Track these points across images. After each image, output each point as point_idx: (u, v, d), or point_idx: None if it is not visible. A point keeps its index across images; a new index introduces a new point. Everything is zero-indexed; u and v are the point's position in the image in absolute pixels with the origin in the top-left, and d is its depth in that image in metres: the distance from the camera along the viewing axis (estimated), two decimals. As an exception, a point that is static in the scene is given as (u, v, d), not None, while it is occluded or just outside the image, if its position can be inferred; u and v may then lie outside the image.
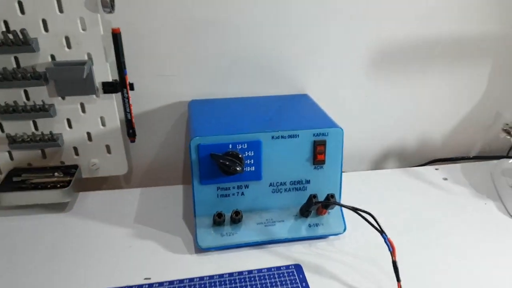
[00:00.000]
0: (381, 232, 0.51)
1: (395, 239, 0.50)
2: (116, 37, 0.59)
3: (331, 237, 0.60)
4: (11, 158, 0.66)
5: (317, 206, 0.58)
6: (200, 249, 0.57)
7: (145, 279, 0.53)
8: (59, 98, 0.63)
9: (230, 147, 0.55)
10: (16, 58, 0.60)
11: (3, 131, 0.64)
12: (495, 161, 0.77)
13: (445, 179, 0.75)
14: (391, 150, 0.84)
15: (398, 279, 0.50)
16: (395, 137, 0.83)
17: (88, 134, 0.66)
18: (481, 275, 0.54)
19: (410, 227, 0.63)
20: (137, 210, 0.65)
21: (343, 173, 0.60)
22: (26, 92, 0.62)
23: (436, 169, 0.78)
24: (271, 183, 0.59)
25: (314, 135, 0.57)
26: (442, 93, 0.80)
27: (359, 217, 0.52)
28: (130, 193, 0.70)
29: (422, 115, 0.81)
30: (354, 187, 0.70)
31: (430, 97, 0.80)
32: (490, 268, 0.55)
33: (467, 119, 0.83)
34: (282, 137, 0.56)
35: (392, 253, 0.50)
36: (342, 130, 0.57)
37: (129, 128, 0.66)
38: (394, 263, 0.50)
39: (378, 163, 0.85)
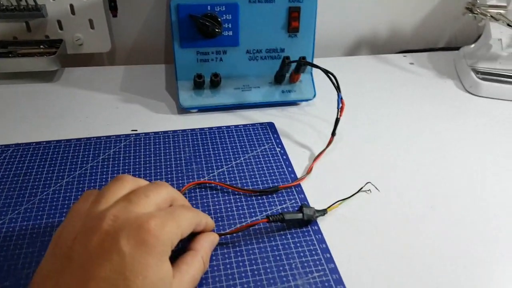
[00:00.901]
0: (338, 90, 0.55)
1: (355, 107, 0.55)
2: None
3: (302, 103, 0.66)
4: (-4, 30, 0.68)
5: (290, 70, 0.62)
6: (182, 109, 0.62)
7: (132, 130, 0.58)
8: (42, -34, 0.64)
9: (209, 8, 0.58)
10: None
11: (-14, 0, 0.65)
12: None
13: (411, 63, 0.80)
14: (364, 39, 0.88)
15: (333, 134, 0.55)
16: (367, 27, 0.86)
17: (71, 6, 0.68)
18: (437, 139, 0.60)
19: (373, 101, 0.68)
20: (121, 82, 0.69)
21: (315, 58, 0.64)
22: (8, -42, 0.63)
23: (404, 56, 0.83)
24: (248, 50, 0.62)
25: (289, 1, 0.60)
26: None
27: (329, 87, 0.56)
28: (115, 69, 0.73)
29: (391, 5, 0.84)
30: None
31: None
32: (442, 130, 0.61)
33: (436, 10, 0.87)
34: (259, 1, 0.59)
35: (340, 111, 0.54)
36: (315, -3, 0.61)
37: (111, 1, 0.68)
38: (337, 120, 0.55)
39: (352, 52, 0.89)
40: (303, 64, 0.60)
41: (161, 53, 0.80)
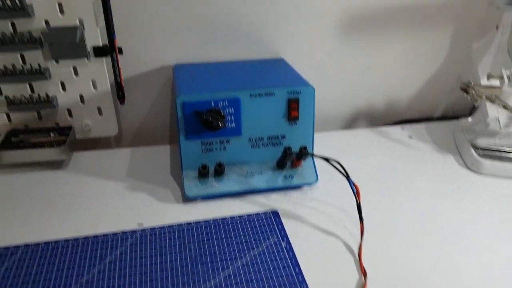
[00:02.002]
0: (347, 177, 0.57)
1: (361, 188, 0.57)
2: (106, 2, 0.63)
3: (305, 187, 0.67)
4: (9, 120, 0.71)
5: (292, 158, 0.64)
6: (187, 198, 0.63)
7: (138, 224, 0.59)
8: (54, 61, 0.67)
9: (213, 104, 0.60)
10: (12, 24, 0.64)
11: (1, 93, 0.68)
12: (456, 121, 0.84)
13: (410, 137, 0.82)
14: (361, 112, 0.90)
15: (361, 219, 0.56)
16: (364, 99, 0.89)
17: (81, 96, 0.71)
18: (438, 216, 0.61)
19: (375, 179, 0.69)
20: (128, 167, 0.71)
21: (315, 133, 0.67)
22: (22, 56, 0.66)
23: (402, 128, 0.85)
24: (250, 138, 0.65)
25: (288, 93, 0.62)
26: (407, 57, 0.85)
27: (330, 170, 0.58)
28: (122, 152, 0.75)
29: (389, 79, 0.87)
30: (326, 146, 0.75)
31: (397, 61, 0.85)
32: (445, 210, 0.62)
33: (431, 82, 0.90)
34: (259, 95, 0.62)
35: (357, 195, 0.57)
36: (313, 88, 0.63)
37: (119, 91, 0.71)
38: (358, 205, 0.56)
39: (349, 124, 0.91)
40: (305, 154, 0.62)
41: (166, 133, 0.83)
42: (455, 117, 0.84)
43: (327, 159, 0.59)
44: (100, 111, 0.73)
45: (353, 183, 0.57)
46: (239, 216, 0.61)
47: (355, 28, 0.80)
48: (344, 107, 0.89)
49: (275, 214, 0.61)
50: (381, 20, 0.80)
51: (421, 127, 0.85)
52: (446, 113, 0.93)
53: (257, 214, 0.61)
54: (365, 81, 0.86)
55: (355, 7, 0.78)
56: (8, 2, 0.60)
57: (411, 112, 0.92)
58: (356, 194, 0.57)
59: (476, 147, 0.73)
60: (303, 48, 0.80)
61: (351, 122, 0.91)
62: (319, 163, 0.65)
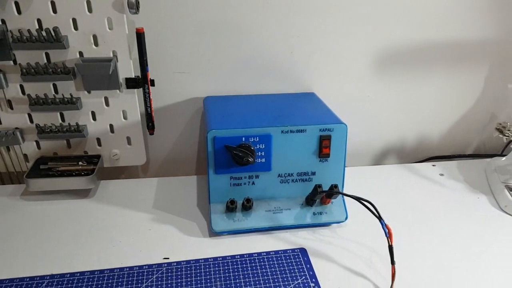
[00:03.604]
0: (380, 218, 0.56)
1: (392, 228, 0.55)
2: (140, 36, 0.64)
3: (333, 224, 0.65)
4: (39, 147, 0.72)
5: (322, 196, 0.63)
6: (213, 233, 0.62)
7: (164, 258, 0.58)
8: (85, 92, 0.68)
9: (243, 139, 0.60)
10: (47, 54, 0.65)
11: (32, 121, 0.69)
12: (489, 159, 0.82)
13: (442, 174, 0.80)
14: (391, 147, 0.89)
15: (393, 262, 0.54)
16: (396, 135, 0.88)
17: (111, 126, 0.72)
18: (471, 263, 0.58)
19: (407, 218, 0.67)
20: (154, 197, 0.70)
21: (345, 168, 0.65)
22: (55, 85, 0.67)
23: (433, 165, 0.83)
24: (279, 174, 0.64)
25: (320, 130, 0.62)
26: (441, 94, 0.84)
27: (360, 207, 0.57)
28: (148, 182, 0.75)
29: (421, 115, 0.86)
30: (356, 181, 0.75)
31: (430, 98, 0.84)
32: (478, 254, 0.60)
33: (464, 119, 0.88)
34: (291, 131, 0.61)
35: (389, 237, 0.55)
36: (346, 126, 0.62)
37: (149, 122, 0.71)
38: (390, 247, 0.54)
39: (379, 159, 0.90)
40: (335, 193, 0.60)
41: (193, 163, 0.82)
42: (487, 155, 0.82)
43: (359, 199, 0.57)
44: (129, 140, 0.73)
45: (386, 225, 0.55)
46: (266, 253, 0.59)
47: (388, 64, 0.80)
48: (374, 142, 0.88)
49: (303, 251, 0.60)
50: (415, 57, 0.79)
51: (452, 164, 0.83)
52: (478, 150, 0.91)
53: (285, 251, 0.60)
54: (397, 116, 0.85)
55: (388, 44, 0.77)
56: (44, 33, 0.61)
57: (442, 149, 0.90)
58: (389, 236, 0.55)
59: (510, 189, 0.71)
60: (335, 82, 0.80)
61: (381, 158, 0.89)
62: (348, 199, 0.64)
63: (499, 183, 0.73)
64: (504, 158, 0.77)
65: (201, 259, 0.58)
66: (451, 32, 0.78)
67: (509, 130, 0.67)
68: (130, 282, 0.53)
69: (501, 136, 0.68)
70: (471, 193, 0.74)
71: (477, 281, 0.55)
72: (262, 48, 0.74)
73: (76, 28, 0.64)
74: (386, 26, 0.76)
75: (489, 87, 0.85)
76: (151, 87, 0.68)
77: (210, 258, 0.58)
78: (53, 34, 0.62)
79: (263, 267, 0.57)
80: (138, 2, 0.63)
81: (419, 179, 0.78)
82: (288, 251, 0.60)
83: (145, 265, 0.56)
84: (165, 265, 0.56)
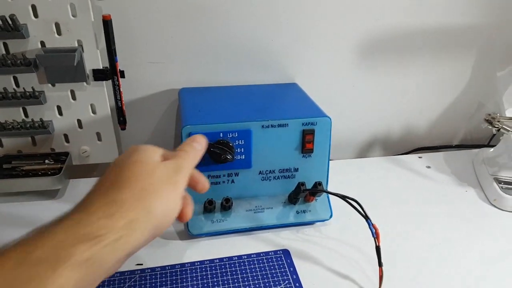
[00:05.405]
0: (366, 217, 0.53)
1: (378, 225, 0.52)
2: (107, 23, 0.59)
3: (318, 223, 0.62)
4: (1, 145, 0.66)
5: (305, 194, 0.59)
6: (191, 236, 0.58)
7: (137, 265, 0.54)
8: (49, 85, 0.63)
9: (221, 135, 0.56)
10: (5, 45, 0.59)
11: (-8, 117, 0.64)
12: (476, 150, 0.79)
13: (428, 167, 0.77)
14: (377, 139, 0.86)
15: (380, 264, 0.52)
16: (381, 126, 0.85)
17: (79, 121, 0.67)
18: (461, 258, 0.57)
19: (393, 213, 0.65)
20: (127, 197, 0.66)
21: (330, 161, 0.62)
22: (15, 78, 0.62)
23: (419, 157, 0.80)
24: (260, 171, 0.60)
25: (303, 124, 0.58)
26: (426, 83, 0.82)
27: (345, 204, 0.54)
28: (121, 179, 0.70)
29: (406, 105, 0.83)
30: (340, 175, 0.72)
31: (415, 87, 0.82)
32: (469, 251, 0.58)
33: (450, 109, 0.86)
34: (272, 126, 0.57)
35: (376, 238, 0.52)
36: (330, 119, 0.59)
37: (120, 116, 0.66)
38: (378, 248, 0.52)
39: (364, 151, 0.87)
40: (320, 191, 0.57)
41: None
42: (474, 145, 0.80)
43: (344, 197, 0.54)
44: (99, 136, 0.68)
45: (373, 224, 0.52)
46: (247, 255, 0.56)
47: (373, 53, 0.76)
48: (359, 133, 0.85)
49: (286, 253, 0.57)
50: (400, 44, 0.76)
51: (439, 155, 0.81)
52: (465, 141, 0.89)
53: (267, 253, 0.57)
54: (382, 107, 0.82)
55: (373, 32, 0.74)
56: (0, 23, 0.56)
57: (429, 139, 0.88)
58: (376, 236, 0.52)
59: (499, 181, 0.68)
60: (317, 72, 0.76)
61: (366, 150, 0.86)
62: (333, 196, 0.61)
63: (487, 176, 0.70)
64: (492, 150, 0.75)
65: (177, 264, 0.54)
66: (436, 18, 0.75)
67: (498, 121, 0.65)
68: (99, 293, 0.49)
69: (490, 127, 0.66)
70: (459, 186, 0.72)
71: (466, 277, 0.53)
72: (241, 35, 0.70)
73: (36, 15, 0.58)
74: (370, 13, 0.72)
75: (475, 75, 0.83)
76: (121, 79, 0.63)
77: (187, 263, 0.54)
78: (10, 22, 0.56)
79: (243, 271, 0.53)
80: (104, -13, 0.58)
81: (405, 172, 0.76)
82: (270, 253, 0.56)
83: (116, 273, 0.52)
84: (138, 272, 0.53)
